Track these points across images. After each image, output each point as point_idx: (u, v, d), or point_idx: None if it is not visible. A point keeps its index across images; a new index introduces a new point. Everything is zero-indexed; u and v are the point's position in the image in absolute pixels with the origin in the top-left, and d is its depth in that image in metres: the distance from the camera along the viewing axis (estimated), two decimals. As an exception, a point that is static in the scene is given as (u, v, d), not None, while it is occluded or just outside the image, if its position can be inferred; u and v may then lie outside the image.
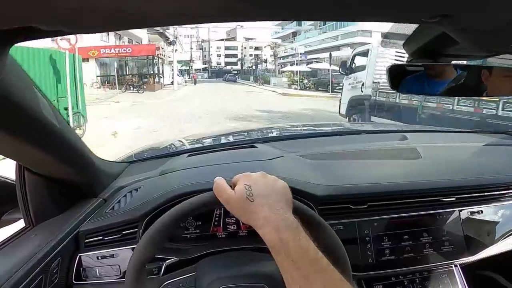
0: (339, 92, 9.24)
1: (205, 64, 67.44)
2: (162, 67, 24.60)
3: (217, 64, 70.22)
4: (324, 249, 0.49)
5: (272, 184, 0.54)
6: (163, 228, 0.55)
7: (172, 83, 26.81)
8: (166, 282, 0.63)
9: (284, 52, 39.12)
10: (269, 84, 30.18)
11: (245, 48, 68.48)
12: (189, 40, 50.12)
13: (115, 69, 19.70)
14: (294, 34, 42.66)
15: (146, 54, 20.95)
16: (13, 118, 0.50)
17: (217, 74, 58.93)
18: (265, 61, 48.68)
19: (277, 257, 0.47)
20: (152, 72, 21.34)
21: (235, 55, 69.57)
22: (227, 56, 70.43)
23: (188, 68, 46.57)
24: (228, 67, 65.92)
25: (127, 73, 21.45)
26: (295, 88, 24.05)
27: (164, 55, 26.02)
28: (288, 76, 27.32)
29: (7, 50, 0.41)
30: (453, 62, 0.59)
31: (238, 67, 64.32)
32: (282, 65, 34.50)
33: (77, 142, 0.72)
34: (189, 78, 39.23)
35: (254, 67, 49.46)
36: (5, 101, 0.46)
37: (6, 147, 0.58)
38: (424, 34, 0.54)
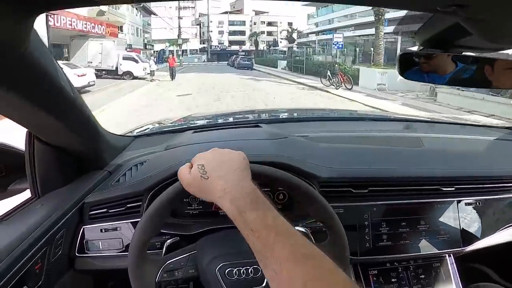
0: None
1: (204, 43, 52.66)
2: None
3: (219, 43, 55.41)
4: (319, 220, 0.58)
5: (225, 157, 0.53)
6: (167, 202, 0.56)
7: (118, 75, 12.71)
8: (168, 262, 0.62)
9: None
10: (354, 84, 12.38)
11: (254, 23, 53.56)
12: (178, 11, 35.00)
13: None
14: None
15: None
16: (32, 84, 0.52)
17: (219, 56, 46.11)
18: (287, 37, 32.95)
19: (239, 228, 0.45)
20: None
21: (242, 32, 54.70)
22: (231, 33, 55.39)
23: (178, 49, 33.06)
24: (235, 47, 50.67)
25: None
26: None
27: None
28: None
29: (32, 21, 0.43)
30: (464, 53, 0.60)
31: (247, 46, 49.38)
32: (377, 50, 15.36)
33: (87, 112, 0.73)
34: (178, 62, 24.93)
35: (298, 49, 27.92)
36: (29, 70, 0.49)
37: (20, 113, 0.59)
38: (437, 23, 0.54)
